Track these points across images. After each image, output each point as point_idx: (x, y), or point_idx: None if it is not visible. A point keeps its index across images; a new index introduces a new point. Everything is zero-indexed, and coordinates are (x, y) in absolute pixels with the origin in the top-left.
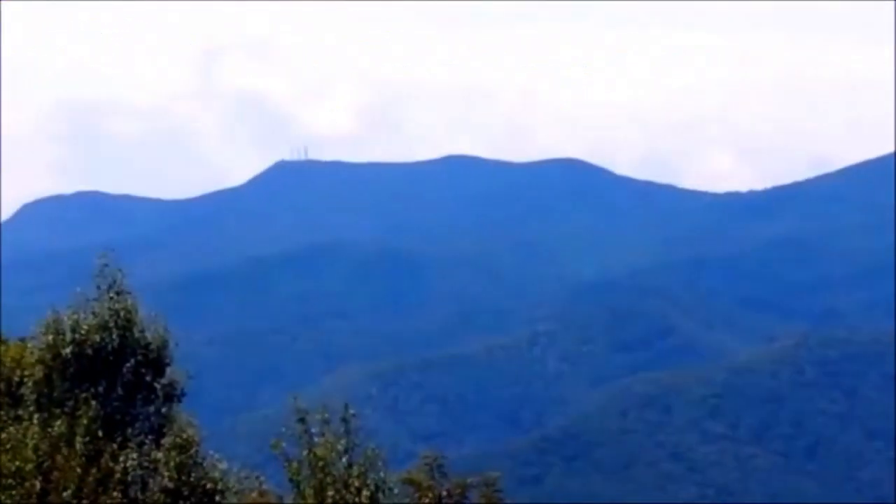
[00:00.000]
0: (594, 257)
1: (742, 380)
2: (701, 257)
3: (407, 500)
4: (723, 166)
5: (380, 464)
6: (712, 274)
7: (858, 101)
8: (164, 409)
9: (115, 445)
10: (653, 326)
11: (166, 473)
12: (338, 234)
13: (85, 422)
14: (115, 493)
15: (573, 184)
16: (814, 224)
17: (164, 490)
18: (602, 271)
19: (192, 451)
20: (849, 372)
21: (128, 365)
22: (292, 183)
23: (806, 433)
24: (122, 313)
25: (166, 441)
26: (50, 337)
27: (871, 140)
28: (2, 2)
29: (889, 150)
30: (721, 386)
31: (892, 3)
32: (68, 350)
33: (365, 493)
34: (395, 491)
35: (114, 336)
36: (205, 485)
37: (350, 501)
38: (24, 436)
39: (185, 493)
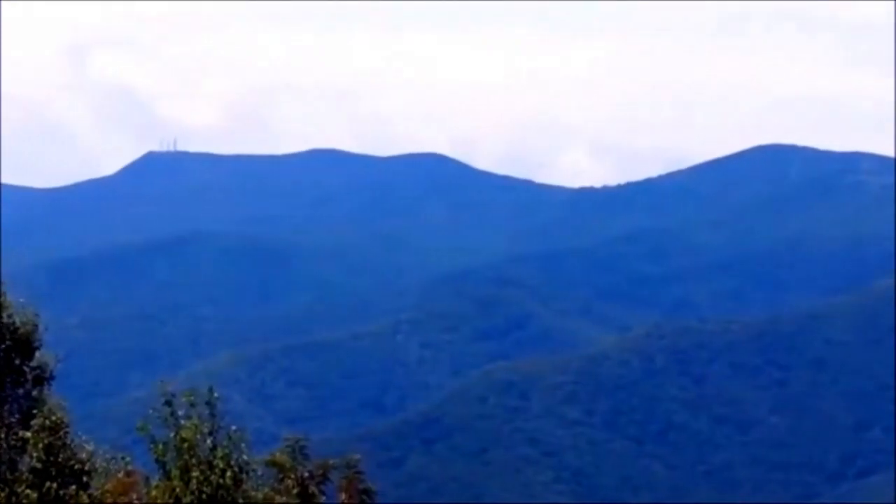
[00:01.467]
0: (455, 249)
1: (596, 367)
2: (557, 250)
3: (270, 482)
4: (578, 162)
5: (243, 446)
6: (568, 266)
7: (709, 101)
8: (33, 392)
9: None
10: (511, 316)
11: (34, 454)
12: (206, 224)
13: None
14: None
15: (435, 178)
16: (666, 219)
17: (33, 470)
18: (463, 262)
19: (61, 433)
20: (698, 360)
21: None
22: (161, 173)
23: (657, 419)
24: None
25: (35, 423)
26: None
27: (720, 139)
28: None
29: (737, 147)
30: (576, 373)
31: (750, 2)
32: None
33: (229, 474)
34: (259, 472)
35: None
36: (72, 465)
37: (214, 482)
38: None
39: (53, 473)
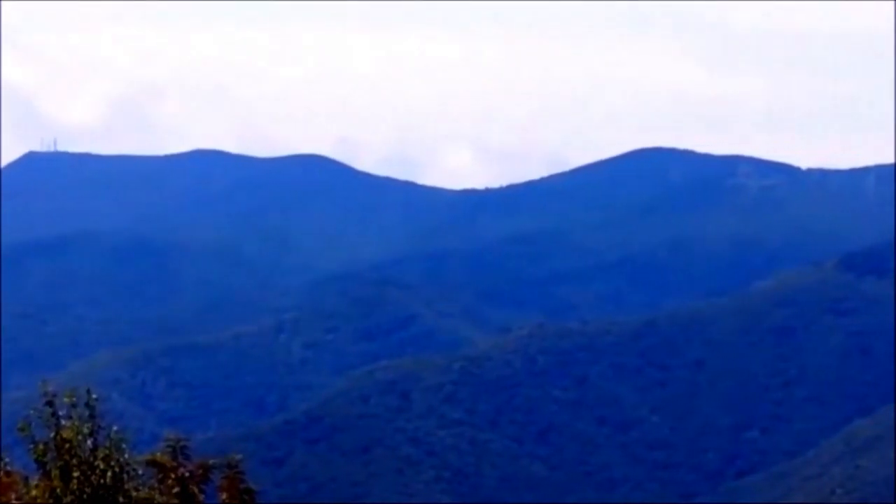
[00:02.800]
0: (338, 250)
1: (478, 368)
2: (440, 251)
3: (151, 482)
4: (461, 164)
5: (124, 446)
6: (451, 267)
7: (591, 103)
8: None
9: None
10: (394, 317)
11: None
12: (87, 224)
13: None
14: None
15: (317, 179)
16: (548, 221)
17: None
18: (345, 264)
19: None
20: (579, 361)
21: None
22: (42, 173)
23: (538, 419)
24: None
25: None
26: None
27: (602, 141)
28: None
29: (619, 150)
30: (458, 374)
31: (631, 3)
32: None
33: (109, 474)
34: (140, 472)
35: None
36: None
37: (95, 482)
38: None
39: None
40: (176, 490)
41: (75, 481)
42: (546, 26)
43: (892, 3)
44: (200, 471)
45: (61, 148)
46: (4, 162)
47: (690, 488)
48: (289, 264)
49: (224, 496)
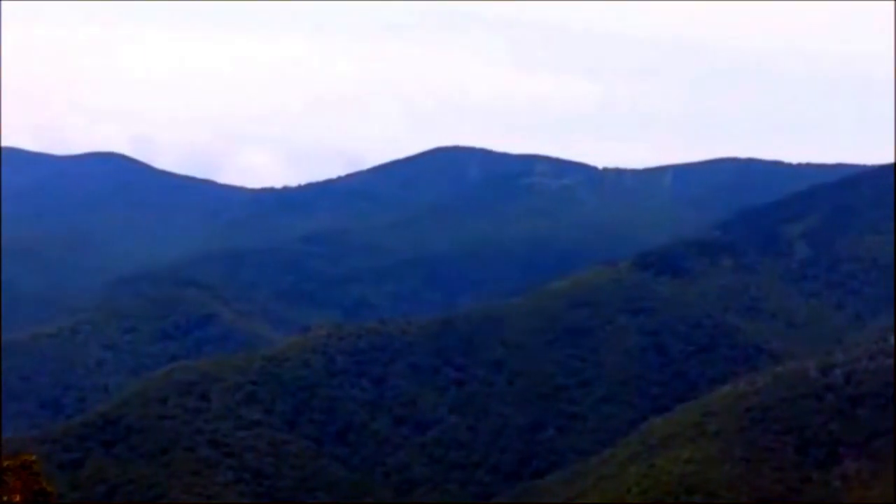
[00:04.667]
0: (136, 250)
1: (276, 368)
2: (238, 251)
3: None
4: (260, 163)
5: None
6: (249, 267)
7: (389, 102)
8: None
9: None
10: (192, 316)
11: None
12: None
13: None
14: None
15: (115, 178)
16: (346, 220)
17: None
18: (143, 263)
19: None
20: (377, 361)
21: None
22: None
23: (337, 420)
24: None
25: None
26: None
27: (400, 140)
28: None
29: (417, 149)
30: (257, 374)
31: (429, 3)
32: None
33: None
34: None
35: None
36: None
37: None
38: None
39: None
40: None
41: None
42: (346, 26)
43: (688, 7)
44: None
45: None
46: None
47: (488, 488)
48: (85, 264)
49: (17, 497)
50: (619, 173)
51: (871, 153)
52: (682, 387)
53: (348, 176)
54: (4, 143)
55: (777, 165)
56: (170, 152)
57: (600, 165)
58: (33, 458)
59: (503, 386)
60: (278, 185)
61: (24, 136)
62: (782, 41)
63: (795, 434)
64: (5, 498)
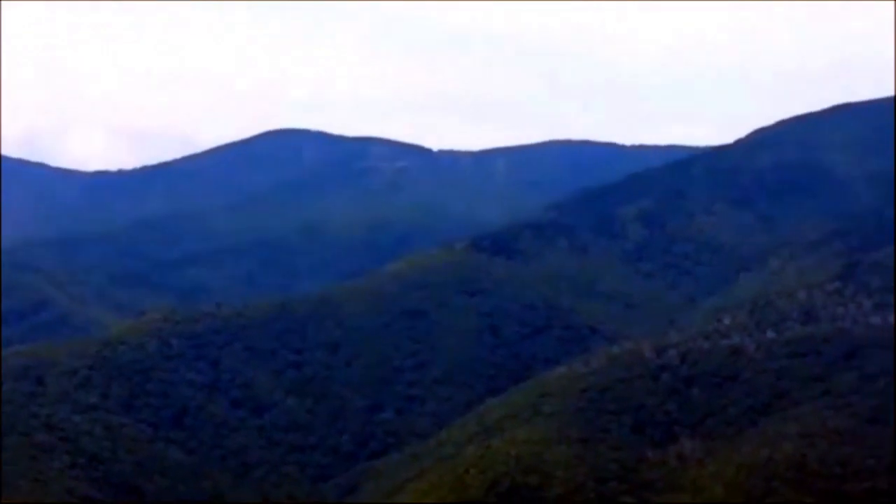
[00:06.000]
0: None
1: (112, 352)
2: (73, 235)
3: None
4: (94, 146)
5: None
6: (84, 251)
7: (222, 85)
8: None
9: None
10: (27, 301)
11: None
12: None
13: None
14: None
15: None
16: (181, 203)
17: None
18: None
19: None
20: (214, 344)
21: None
22: None
23: (173, 403)
24: None
25: None
26: None
27: (235, 123)
28: None
29: (251, 132)
30: (93, 358)
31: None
32: None
33: None
34: None
35: None
36: None
37: None
38: None
39: None
40: None
41: None
42: (177, 7)
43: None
44: None
45: None
46: None
47: (326, 470)
48: None
49: None
50: (454, 156)
51: (703, 135)
52: (518, 368)
53: (183, 159)
54: None
55: (611, 147)
56: (2, 135)
57: (435, 148)
58: None
59: (340, 368)
60: (113, 168)
61: None
62: (613, 25)
63: (631, 414)
64: None
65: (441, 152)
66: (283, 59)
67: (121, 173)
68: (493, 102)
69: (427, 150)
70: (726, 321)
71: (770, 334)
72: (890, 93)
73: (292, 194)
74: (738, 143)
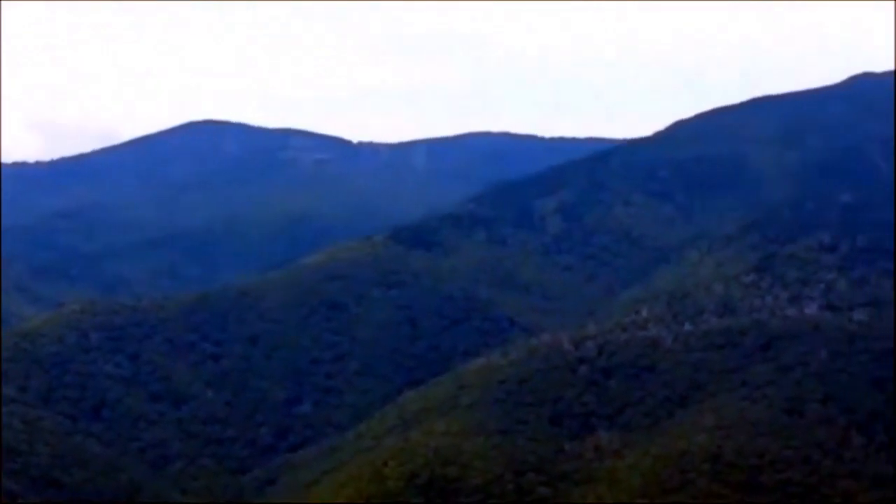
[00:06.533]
0: None
1: (30, 344)
2: None
3: None
4: (11, 137)
5: None
6: (3, 243)
7: (146, 75)
8: None
9: None
10: None
11: None
12: None
13: None
14: None
15: None
16: (100, 195)
17: None
18: None
19: None
20: (133, 337)
21: None
22: None
23: (92, 396)
24: None
25: None
26: None
27: (154, 114)
28: None
29: (171, 123)
30: (11, 350)
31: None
32: None
33: None
34: None
35: None
36: None
37: None
38: None
39: None
40: None
41: None
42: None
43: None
44: None
45: None
46: None
47: (244, 463)
48: None
49: None
50: (373, 148)
51: (622, 129)
52: (437, 360)
53: (103, 150)
54: None
55: (531, 139)
56: None
57: (355, 140)
58: None
59: (259, 360)
60: (31, 159)
61: None
62: (534, 18)
63: (549, 406)
64: None
65: (361, 144)
66: (202, 52)
67: (39, 164)
68: (413, 94)
69: (347, 142)
70: (644, 313)
71: (687, 326)
72: (806, 86)
73: (214, 186)
74: (657, 135)
